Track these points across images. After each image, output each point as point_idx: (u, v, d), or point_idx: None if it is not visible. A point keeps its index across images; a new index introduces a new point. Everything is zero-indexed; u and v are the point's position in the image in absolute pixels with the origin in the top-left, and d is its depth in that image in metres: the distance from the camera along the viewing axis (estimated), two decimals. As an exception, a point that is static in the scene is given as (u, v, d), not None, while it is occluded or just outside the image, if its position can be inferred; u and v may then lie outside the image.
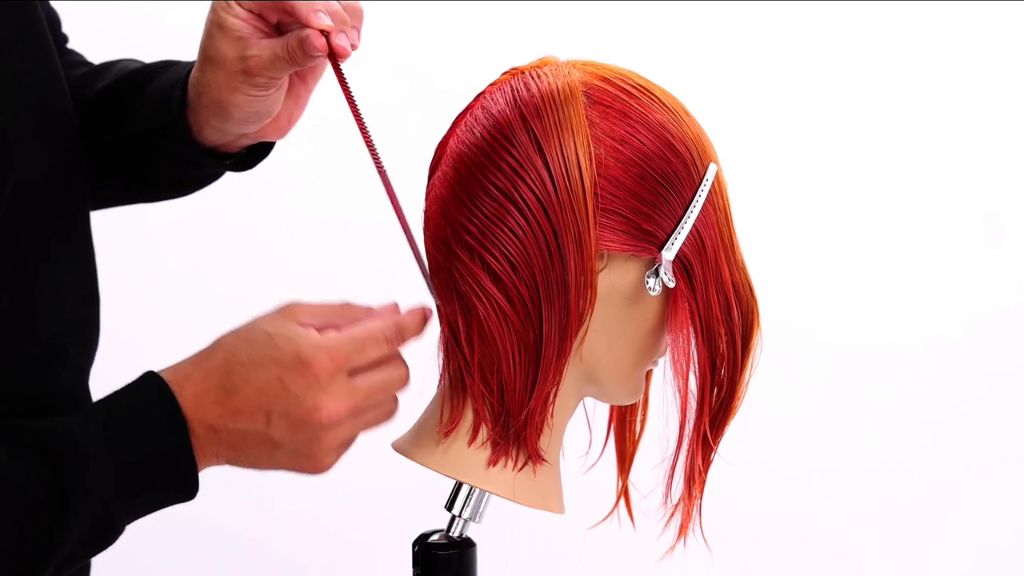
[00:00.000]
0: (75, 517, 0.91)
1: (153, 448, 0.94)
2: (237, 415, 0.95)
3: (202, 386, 0.95)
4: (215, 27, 1.05)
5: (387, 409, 0.99)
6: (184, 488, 0.96)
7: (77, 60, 1.25)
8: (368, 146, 1.02)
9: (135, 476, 0.94)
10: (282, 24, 1.05)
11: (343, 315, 0.98)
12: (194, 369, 0.96)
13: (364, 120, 1.02)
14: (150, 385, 0.96)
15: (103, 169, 1.18)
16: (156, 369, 0.97)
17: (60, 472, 0.91)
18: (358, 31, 1.06)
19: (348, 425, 0.97)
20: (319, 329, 0.97)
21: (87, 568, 1.17)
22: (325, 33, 1.01)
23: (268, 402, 0.95)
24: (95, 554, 0.96)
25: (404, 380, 1.00)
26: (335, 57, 1.02)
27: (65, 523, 0.91)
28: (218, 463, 0.98)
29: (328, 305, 0.99)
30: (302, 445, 0.96)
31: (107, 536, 0.95)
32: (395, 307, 1.01)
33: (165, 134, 1.12)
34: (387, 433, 1.07)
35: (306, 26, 1.01)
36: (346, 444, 0.99)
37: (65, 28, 1.25)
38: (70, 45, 1.28)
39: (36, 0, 1.08)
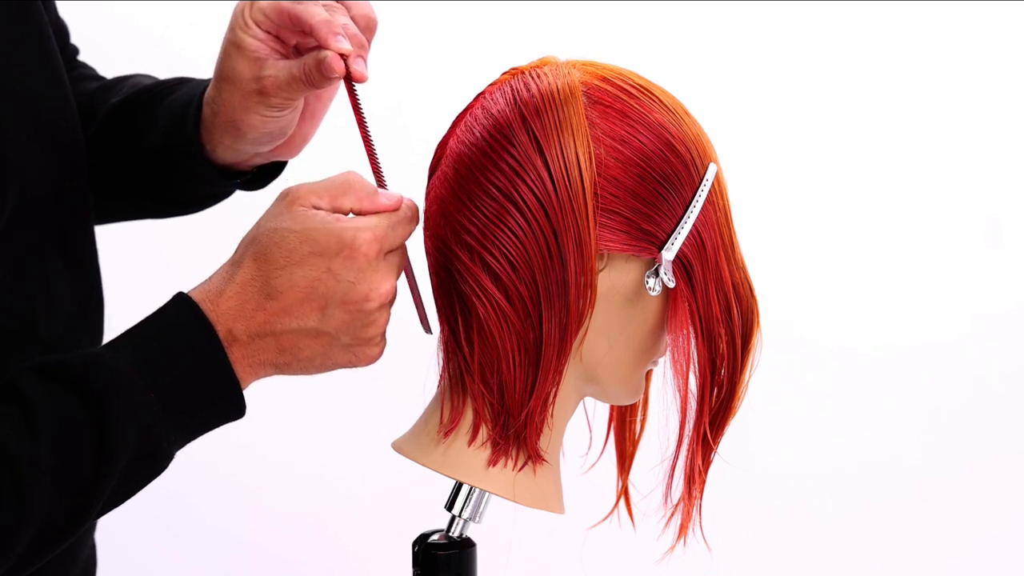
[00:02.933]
0: (117, 446, 0.91)
1: (188, 368, 0.94)
2: (286, 316, 0.95)
3: (238, 299, 0.95)
4: (232, 46, 1.06)
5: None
6: (230, 406, 0.96)
7: (89, 74, 1.25)
8: (375, 171, 1.02)
9: (175, 398, 0.93)
10: (300, 46, 1.05)
11: (347, 190, 0.97)
12: (225, 284, 0.95)
13: (374, 145, 1.02)
14: (180, 306, 0.95)
15: (115, 184, 1.18)
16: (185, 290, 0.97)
17: (96, 403, 0.90)
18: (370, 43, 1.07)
19: (390, 307, 0.98)
20: (331, 210, 0.96)
21: (92, 566, 1.17)
22: (343, 56, 1.01)
23: (321, 296, 0.95)
24: (148, 481, 0.95)
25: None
26: (351, 81, 1.02)
27: (108, 453, 0.90)
28: (267, 374, 0.97)
29: (328, 181, 0.98)
30: (359, 331, 0.96)
31: (155, 462, 0.94)
32: (399, 199, 1.00)
33: (178, 151, 1.12)
34: (387, 433, 1.07)
35: (325, 48, 1.01)
36: (385, 329, 0.99)
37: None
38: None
39: (38, 4, 1.08)
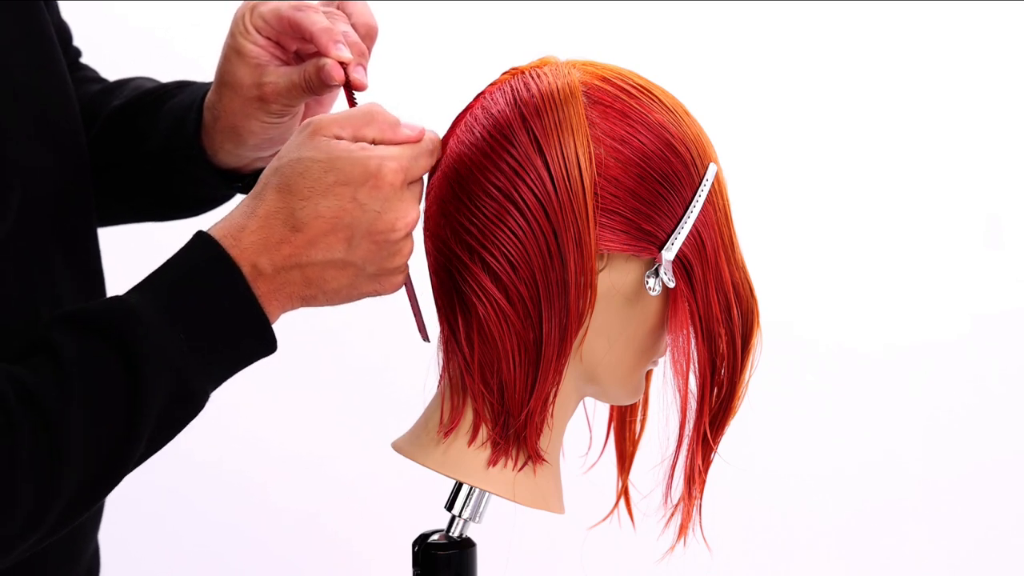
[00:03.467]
0: (149, 389, 0.90)
1: (215, 308, 0.93)
2: (312, 247, 0.94)
3: (262, 232, 0.94)
4: (233, 52, 1.06)
5: None
6: (260, 342, 0.95)
7: (91, 76, 1.25)
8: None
9: (204, 339, 0.93)
10: (301, 52, 1.06)
11: (369, 121, 0.97)
12: (247, 218, 0.94)
13: None
14: (201, 244, 0.94)
15: (116, 187, 1.18)
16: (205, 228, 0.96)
17: (124, 348, 0.90)
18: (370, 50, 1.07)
19: (412, 237, 0.98)
20: (354, 139, 0.96)
21: (96, 565, 1.17)
22: (343, 64, 1.01)
23: (347, 227, 0.94)
24: (184, 423, 0.95)
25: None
26: (351, 88, 1.02)
27: (141, 397, 0.90)
28: (294, 307, 0.96)
29: (350, 112, 0.98)
30: (384, 261, 0.96)
31: (190, 402, 0.93)
32: (422, 131, 1.00)
33: (180, 155, 1.12)
34: (387, 433, 1.07)
35: (325, 56, 1.01)
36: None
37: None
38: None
39: (41, 5, 1.08)
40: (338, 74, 1.01)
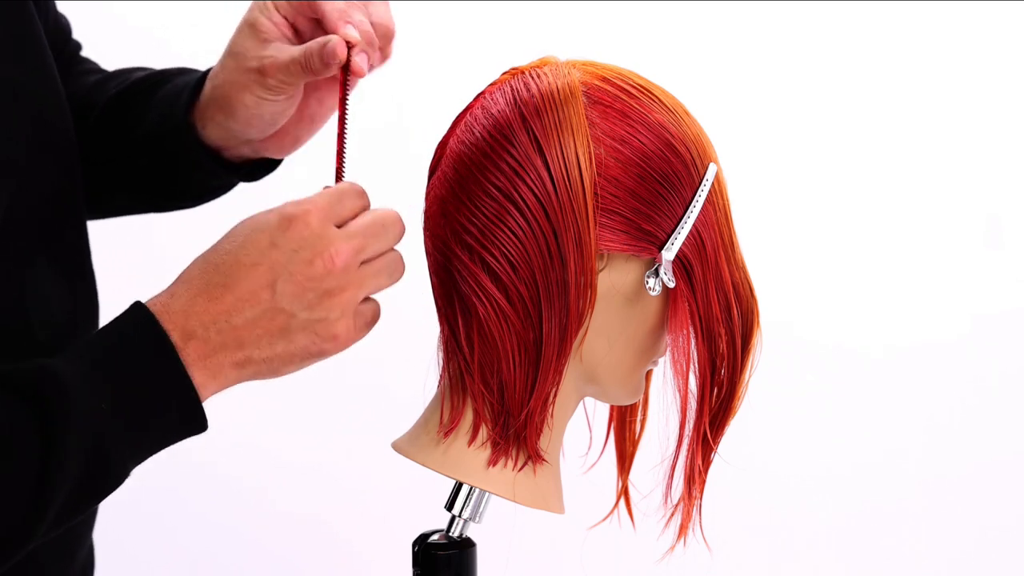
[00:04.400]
0: (65, 456, 0.87)
1: (142, 376, 0.90)
2: (240, 304, 0.92)
3: (188, 295, 0.93)
4: (246, 25, 1.07)
5: (393, 259, 0.98)
6: (187, 414, 0.92)
7: (91, 68, 1.25)
8: (338, 167, 1.02)
9: (128, 408, 0.90)
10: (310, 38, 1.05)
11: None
12: (177, 285, 0.94)
13: (346, 142, 1.02)
14: (132, 311, 0.93)
15: (114, 177, 1.18)
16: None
17: (44, 411, 0.87)
18: (384, 53, 1.06)
19: (355, 276, 0.94)
20: None
21: (90, 566, 1.17)
22: (348, 46, 1.01)
23: (268, 272, 0.93)
24: (101, 497, 0.91)
25: (396, 219, 0.98)
26: (347, 71, 1.02)
27: (56, 463, 0.87)
28: (227, 377, 0.93)
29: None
30: (315, 306, 0.93)
31: (108, 476, 0.90)
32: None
33: (169, 128, 1.11)
34: (387, 433, 1.07)
35: (332, 32, 1.01)
36: (359, 308, 0.96)
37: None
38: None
39: (30, 6, 1.07)
40: (341, 51, 1.00)
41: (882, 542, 2.10)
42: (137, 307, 0.93)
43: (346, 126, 1.03)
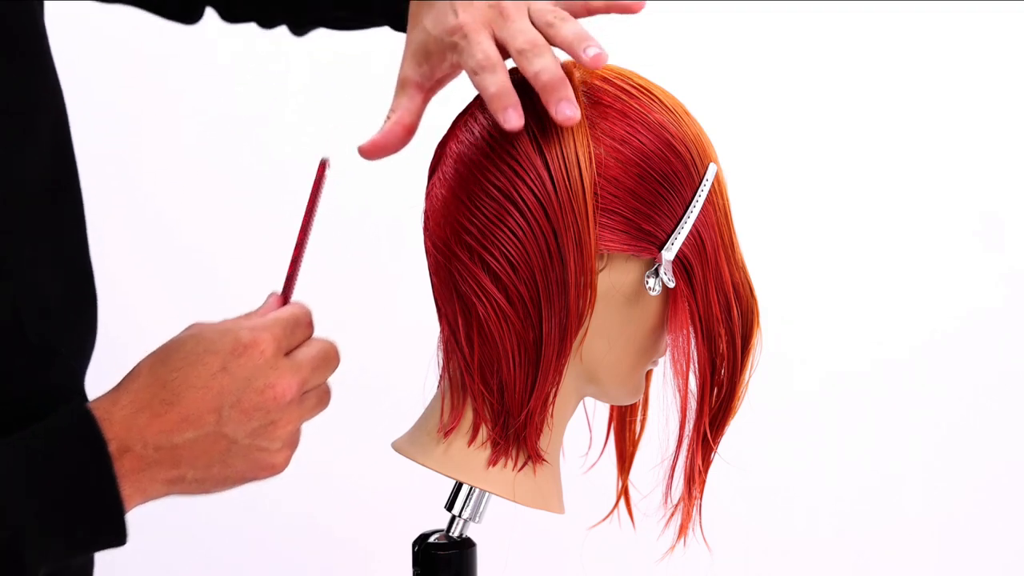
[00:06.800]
0: None
1: (73, 481, 0.89)
2: (184, 424, 0.91)
3: (133, 407, 0.90)
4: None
5: (324, 391, 0.96)
6: (109, 528, 0.90)
7: None
8: (290, 275, 0.99)
9: (52, 509, 0.88)
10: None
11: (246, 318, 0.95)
12: (121, 392, 0.91)
13: (304, 251, 0.99)
14: (75, 412, 0.91)
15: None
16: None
17: None
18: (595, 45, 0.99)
19: (296, 408, 0.94)
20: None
21: (89, 564, 1.17)
22: (322, 166, 0.98)
23: (216, 397, 0.91)
24: None
25: (336, 352, 0.97)
26: (320, 184, 0.98)
27: None
28: (156, 491, 0.92)
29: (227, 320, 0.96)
30: (258, 435, 0.92)
31: (18, 573, 0.87)
32: (278, 298, 0.98)
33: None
34: (387, 433, 1.07)
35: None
36: (295, 438, 0.95)
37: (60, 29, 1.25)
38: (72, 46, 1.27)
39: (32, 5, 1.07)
40: (362, 151, 1.00)
41: (882, 542, 2.10)
42: (81, 408, 0.91)
43: (308, 234, 0.99)
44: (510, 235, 0.97)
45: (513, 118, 0.95)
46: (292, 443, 0.95)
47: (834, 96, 2.12)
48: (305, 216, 0.99)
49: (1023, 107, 2.13)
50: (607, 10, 1.00)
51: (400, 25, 1.08)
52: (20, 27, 1.05)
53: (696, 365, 1.01)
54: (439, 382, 1.03)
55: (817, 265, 2.11)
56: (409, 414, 1.05)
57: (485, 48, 0.96)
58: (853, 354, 2.11)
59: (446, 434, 1.01)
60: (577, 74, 1.00)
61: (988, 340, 2.11)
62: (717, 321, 1.00)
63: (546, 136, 0.97)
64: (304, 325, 0.96)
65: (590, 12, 1.01)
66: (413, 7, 1.02)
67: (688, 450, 1.03)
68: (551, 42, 0.97)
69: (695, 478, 1.03)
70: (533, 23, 0.97)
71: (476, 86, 0.96)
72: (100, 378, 1.10)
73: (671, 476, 1.03)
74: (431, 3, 1.00)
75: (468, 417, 1.01)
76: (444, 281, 1.01)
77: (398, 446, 1.04)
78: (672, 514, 1.04)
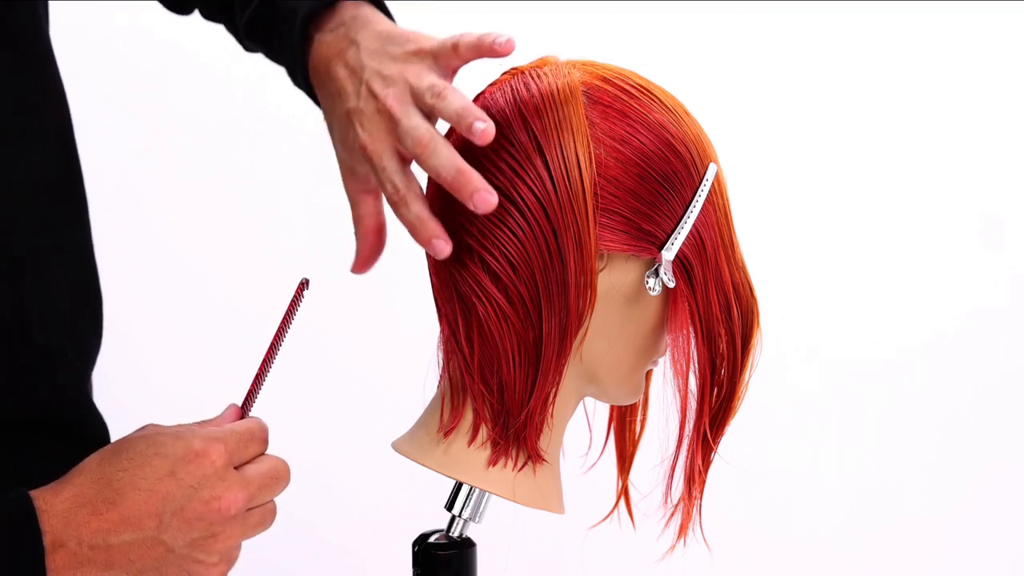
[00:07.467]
0: None
1: (2, 566, 0.87)
2: (123, 525, 0.89)
3: (74, 501, 0.89)
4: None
5: (269, 510, 0.96)
6: None
7: None
8: (253, 389, 1.00)
9: None
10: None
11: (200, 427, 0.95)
12: (65, 484, 0.90)
13: (270, 366, 0.99)
14: (15, 500, 0.89)
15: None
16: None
17: None
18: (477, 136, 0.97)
19: (239, 524, 0.92)
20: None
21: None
22: (301, 286, 0.98)
23: (160, 502, 0.89)
24: None
25: (287, 472, 0.96)
26: (298, 303, 0.98)
27: None
28: None
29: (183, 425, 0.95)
30: (196, 546, 0.90)
31: None
32: (237, 410, 0.99)
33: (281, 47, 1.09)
34: (387, 433, 1.07)
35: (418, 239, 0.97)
36: (233, 554, 0.94)
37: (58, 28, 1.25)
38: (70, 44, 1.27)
39: (35, 5, 1.07)
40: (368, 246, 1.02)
41: (882, 542, 2.10)
42: (23, 496, 0.89)
43: (277, 351, 0.99)
44: (510, 235, 0.97)
45: (440, 246, 0.95)
46: (229, 559, 0.93)
47: (834, 96, 2.12)
48: (276, 333, 0.98)
49: (1023, 107, 2.13)
50: (477, 56, 0.98)
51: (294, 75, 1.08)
52: (21, 27, 1.05)
53: (696, 365, 1.01)
54: (439, 382, 1.03)
55: (817, 265, 2.11)
56: (409, 414, 1.05)
57: (393, 179, 0.96)
58: (853, 354, 2.11)
59: (446, 434, 1.01)
60: (577, 74, 1.00)
61: (988, 340, 2.11)
62: (717, 321, 1.00)
63: (546, 136, 0.97)
64: (258, 441, 0.95)
65: (464, 61, 1.00)
66: (313, 79, 1.03)
67: (688, 450, 1.03)
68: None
69: (695, 478, 1.03)
70: (419, 106, 0.96)
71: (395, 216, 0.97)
72: (100, 377, 1.10)
73: (671, 476, 1.03)
74: (329, 102, 1.01)
75: (468, 417, 1.01)
76: (444, 281, 1.01)
77: (398, 446, 1.04)
78: (672, 514, 1.04)
